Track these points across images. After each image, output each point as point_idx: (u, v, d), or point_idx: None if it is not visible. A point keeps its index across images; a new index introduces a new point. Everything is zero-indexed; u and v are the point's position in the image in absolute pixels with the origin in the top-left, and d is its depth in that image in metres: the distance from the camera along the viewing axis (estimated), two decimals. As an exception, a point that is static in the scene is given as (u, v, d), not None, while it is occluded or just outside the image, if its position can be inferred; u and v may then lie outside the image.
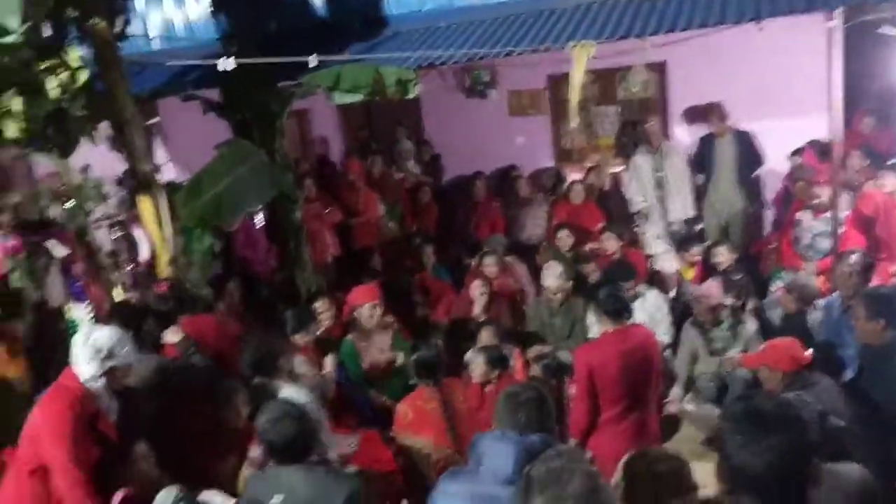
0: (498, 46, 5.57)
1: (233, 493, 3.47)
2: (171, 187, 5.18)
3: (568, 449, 2.03)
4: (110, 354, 3.28)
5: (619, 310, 3.86)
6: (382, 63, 5.39)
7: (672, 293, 5.81)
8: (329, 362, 4.56)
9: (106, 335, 3.32)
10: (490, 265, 6.07)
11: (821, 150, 6.36)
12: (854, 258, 4.45)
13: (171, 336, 4.09)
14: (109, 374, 3.31)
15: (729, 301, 5.08)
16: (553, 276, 5.48)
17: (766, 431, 1.73)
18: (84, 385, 3.25)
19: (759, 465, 1.71)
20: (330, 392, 4.34)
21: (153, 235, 4.66)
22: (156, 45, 7.88)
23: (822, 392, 3.41)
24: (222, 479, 3.64)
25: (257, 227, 6.22)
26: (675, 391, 5.02)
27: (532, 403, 2.46)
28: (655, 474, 2.26)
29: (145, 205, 4.63)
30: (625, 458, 2.37)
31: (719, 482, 1.86)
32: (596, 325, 4.99)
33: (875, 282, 5.29)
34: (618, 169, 7.75)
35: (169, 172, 6.63)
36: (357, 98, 5.24)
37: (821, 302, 4.91)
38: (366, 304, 4.97)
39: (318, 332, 4.72)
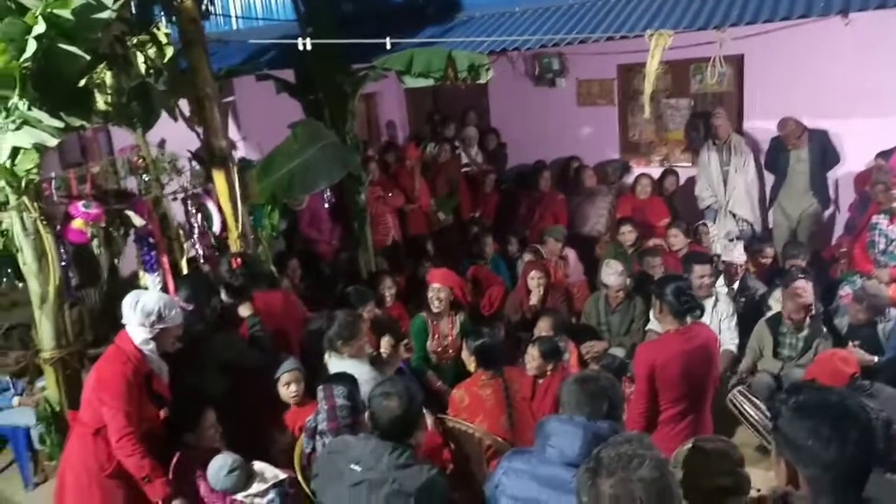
0: (571, 34, 5.51)
1: (286, 465, 3.60)
2: (244, 164, 5.32)
3: (638, 435, 2.03)
4: (160, 317, 3.45)
5: (687, 309, 3.68)
6: (455, 48, 5.41)
7: (735, 285, 5.65)
8: (385, 343, 4.64)
9: (154, 299, 3.50)
10: (552, 243, 6.17)
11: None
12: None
13: (244, 310, 4.23)
14: (160, 336, 3.48)
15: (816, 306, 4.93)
16: (614, 273, 5.42)
17: (847, 426, 1.69)
18: (137, 346, 3.43)
19: (828, 455, 1.67)
20: (387, 372, 4.42)
21: (225, 210, 4.80)
22: (235, 24, 8.09)
23: (884, 403, 3.31)
24: (277, 452, 3.79)
25: (324, 206, 6.33)
26: (734, 381, 4.88)
27: (607, 392, 2.50)
28: (704, 451, 2.36)
29: (219, 180, 4.77)
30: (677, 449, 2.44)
31: (778, 474, 1.83)
32: (656, 322, 4.94)
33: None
34: (686, 164, 7.61)
35: (241, 150, 6.80)
36: (428, 82, 5.27)
37: (893, 311, 4.74)
38: (435, 286, 5.05)
39: (380, 310, 4.81)
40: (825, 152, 6.64)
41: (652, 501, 1.69)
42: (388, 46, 4.81)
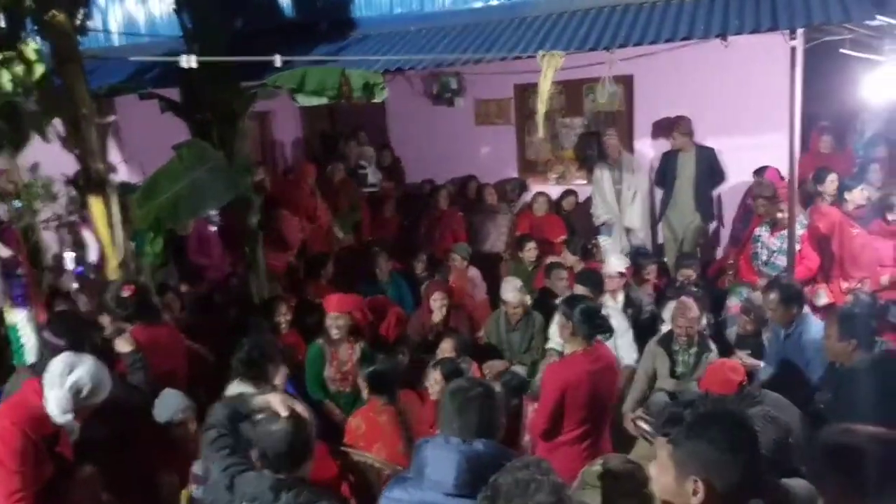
0: (466, 53, 5.53)
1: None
2: (125, 188, 5.01)
3: (535, 459, 1.99)
4: (90, 395, 3.12)
5: (601, 330, 3.68)
6: (349, 66, 5.31)
7: (620, 298, 5.72)
8: (281, 374, 4.44)
9: (89, 374, 3.12)
10: (458, 261, 6.22)
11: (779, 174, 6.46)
12: (772, 296, 4.42)
13: (123, 345, 3.90)
14: (81, 410, 3.14)
15: (704, 320, 5.06)
16: (512, 290, 5.45)
17: (747, 437, 1.76)
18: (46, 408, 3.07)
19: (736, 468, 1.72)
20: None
21: (103, 238, 4.48)
22: (116, 40, 7.68)
23: (772, 407, 3.42)
24: (165, 497, 3.52)
25: (212, 230, 6.04)
26: (628, 405, 4.91)
27: (479, 401, 2.34)
28: (614, 473, 2.30)
29: (97, 206, 4.45)
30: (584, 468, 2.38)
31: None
32: (558, 339, 4.96)
33: (829, 299, 5.41)
34: (581, 182, 7.79)
35: (123, 173, 6.44)
36: (322, 100, 5.15)
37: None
38: (332, 314, 4.87)
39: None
40: (712, 169, 6.95)
41: None
42: (279, 64, 4.65)
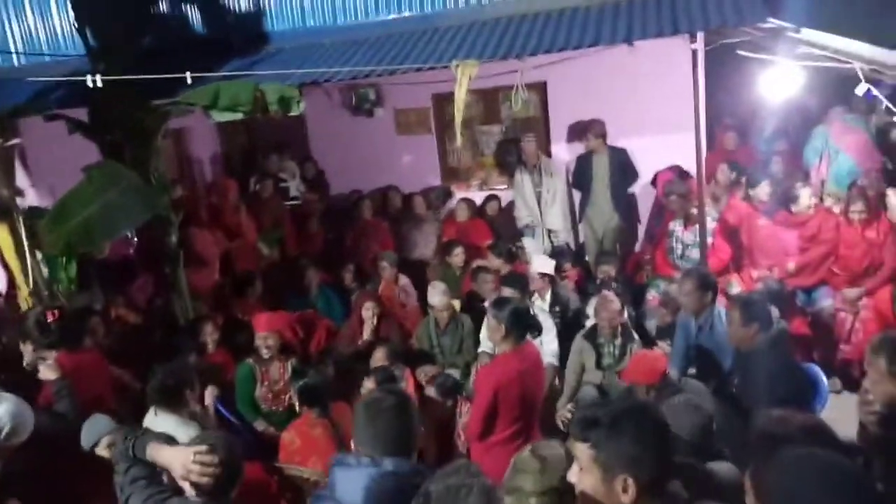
0: (382, 64, 5.56)
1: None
2: (34, 213, 4.80)
3: (465, 463, 2.02)
4: (13, 433, 3.00)
5: (530, 330, 3.78)
6: (264, 80, 5.25)
7: (547, 298, 5.86)
8: (209, 394, 4.37)
9: (8, 414, 3.01)
10: (387, 269, 6.26)
11: (680, 172, 6.77)
12: (687, 284, 4.61)
13: (48, 373, 3.76)
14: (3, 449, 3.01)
15: (626, 313, 5.22)
16: (438, 293, 5.51)
17: (659, 428, 1.81)
18: None
19: (648, 457, 1.78)
20: (209, 425, 4.13)
21: (11, 265, 4.29)
22: (16, 60, 7.36)
23: (692, 396, 3.58)
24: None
25: (129, 252, 5.86)
26: (562, 402, 5.09)
27: (391, 412, 2.27)
28: (542, 458, 2.36)
29: (2, 232, 4.27)
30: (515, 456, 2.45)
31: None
32: (488, 343, 5.04)
33: (741, 287, 5.68)
34: (503, 187, 7.94)
35: (32, 197, 6.17)
36: (237, 116, 5.06)
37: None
38: (261, 334, 4.81)
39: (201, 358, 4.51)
40: (625, 169, 7.20)
41: None
42: (189, 81, 4.56)
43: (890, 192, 5.65)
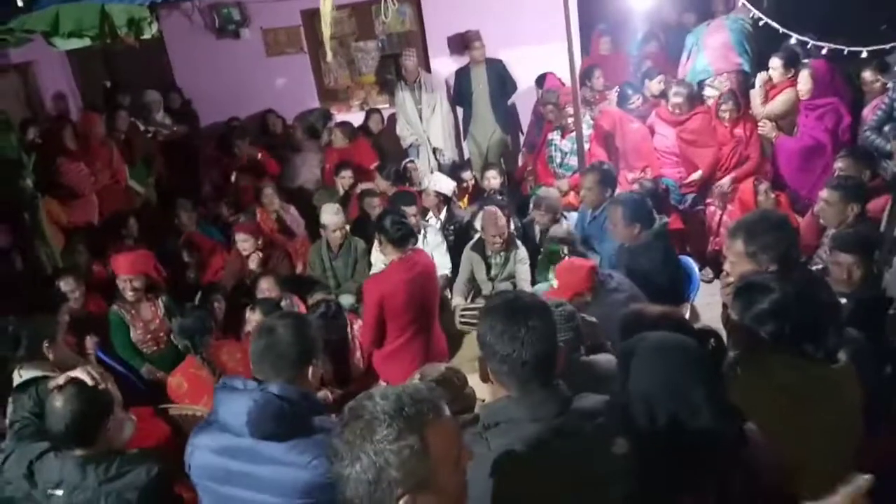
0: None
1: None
2: None
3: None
4: None
5: (404, 236, 3.90)
6: (109, 1, 4.80)
7: (442, 215, 5.90)
8: (90, 343, 4.16)
9: None
10: (268, 195, 6.14)
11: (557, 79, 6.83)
12: (590, 178, 4.78)
13: None
14: None
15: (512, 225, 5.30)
16: (330, 213, 5.40)
17: (520, 319, 1.81)
18: None
19: (515, 350, 1.80)
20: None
21: None
22: None
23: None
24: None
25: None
26: (457, 303, 5.07)
27: (278, 336, 2.19)
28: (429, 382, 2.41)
29: None
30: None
31: (482, 377, 1.94)
32: (381, 260, 5.01)
33: (618, 189, 5.88)
34: (384, 106, 7.77)
35: None
36: (84, 42, 4.65)
37: (573, 214, 5.32)
38: (122, 276, 4.56)
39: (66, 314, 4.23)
40: (503, 81, 7.20)
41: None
42: (21, 4, 4.11)
43: (753, 92, 5.96)
